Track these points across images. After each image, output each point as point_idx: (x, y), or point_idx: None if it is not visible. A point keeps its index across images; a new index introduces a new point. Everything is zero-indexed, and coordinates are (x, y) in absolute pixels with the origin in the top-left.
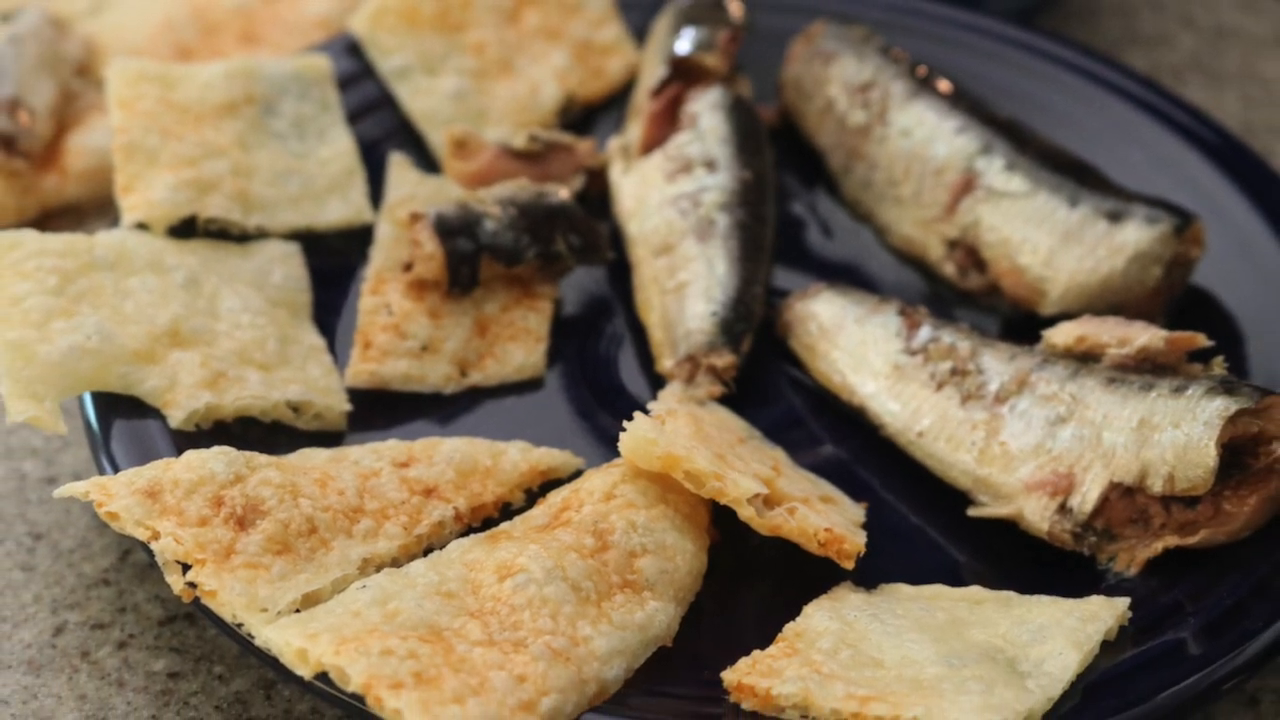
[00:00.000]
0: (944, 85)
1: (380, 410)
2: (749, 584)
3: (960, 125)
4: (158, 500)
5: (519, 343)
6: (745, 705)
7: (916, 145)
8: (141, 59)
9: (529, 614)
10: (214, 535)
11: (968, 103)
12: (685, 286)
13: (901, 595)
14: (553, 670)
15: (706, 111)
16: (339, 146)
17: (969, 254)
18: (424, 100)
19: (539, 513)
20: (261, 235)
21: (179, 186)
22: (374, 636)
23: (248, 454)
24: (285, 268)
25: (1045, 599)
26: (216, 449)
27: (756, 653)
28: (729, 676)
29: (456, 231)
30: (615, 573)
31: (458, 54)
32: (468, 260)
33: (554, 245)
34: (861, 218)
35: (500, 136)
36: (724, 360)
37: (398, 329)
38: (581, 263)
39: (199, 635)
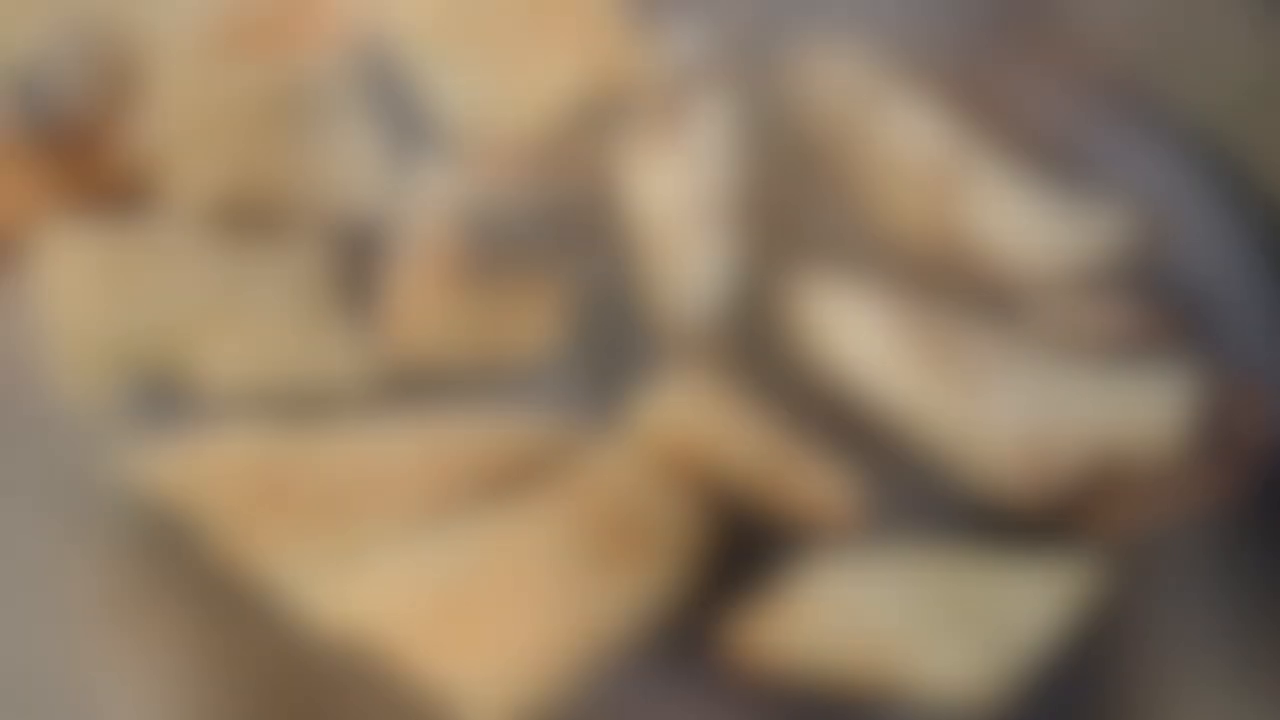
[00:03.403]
0: None
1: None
2: (750, 551)
3: None
4: (197, 473)
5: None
6: (747, 662)
7: None
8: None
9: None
10: (247, 507)
11: None
12: None
13: (893, 559)
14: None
15: None
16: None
17: None
18: None
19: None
20: (304, 230)
21: (229, 180)
22: None
23: (284, 434)
24: (324, 260)
25: (1028, 562)
26: (253, 430)
27: (756, 613)
28: (731, 636)
29: (483, 227)
30: (623, 540)
31: None
32: (484, 253)
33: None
34: None
35: None
36: None
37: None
38: None
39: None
